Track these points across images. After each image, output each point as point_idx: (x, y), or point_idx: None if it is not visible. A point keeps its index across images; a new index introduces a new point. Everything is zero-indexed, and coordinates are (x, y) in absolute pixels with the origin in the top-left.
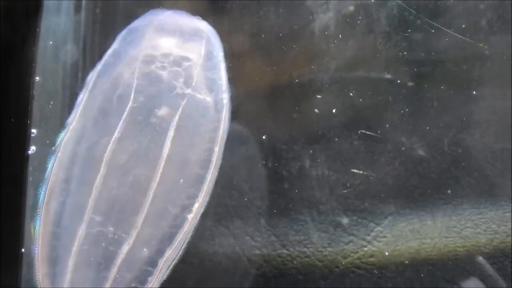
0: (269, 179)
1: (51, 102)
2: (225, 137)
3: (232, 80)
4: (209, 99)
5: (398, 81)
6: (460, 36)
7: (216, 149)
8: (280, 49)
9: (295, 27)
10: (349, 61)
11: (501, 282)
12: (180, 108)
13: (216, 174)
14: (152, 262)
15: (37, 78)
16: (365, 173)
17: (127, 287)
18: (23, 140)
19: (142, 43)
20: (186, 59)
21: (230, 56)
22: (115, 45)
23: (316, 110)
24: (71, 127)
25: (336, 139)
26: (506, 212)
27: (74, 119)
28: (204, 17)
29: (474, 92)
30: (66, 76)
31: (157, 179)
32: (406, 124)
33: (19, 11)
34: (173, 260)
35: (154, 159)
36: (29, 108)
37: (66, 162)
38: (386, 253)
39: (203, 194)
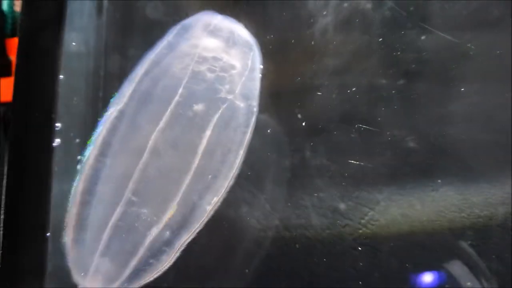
0: (273, 169)
1: (75, 98)
2: (249, 141)
3: None
4: (243, 105)
5: (391, 79)
6: (448, 37)
7: (241, 152)
8: (284, 50)
9: (297, 29)
10: (347, 60)
11: (481, 263)
12: (220, 111)
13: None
14: (170, 244)
15: (62, 76)
16: (361, 163)
17: (146, 262)
18: (49, 133)
19: (196, 42)
20: (234, 67)
21: None
22: (169, 38)
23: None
24: (118, 107)
25: (334, 132)
26: (488, 198)
27: (122, 100)
28: None
29: (462, 89)
30: (89, 74)
31: (191, 172)
32: (398, 118)
33: (44, 15)
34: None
35: (190, 154)
36: (54, 104)
37: (109, 139)
38: (379, 235)
39: (223, 190)
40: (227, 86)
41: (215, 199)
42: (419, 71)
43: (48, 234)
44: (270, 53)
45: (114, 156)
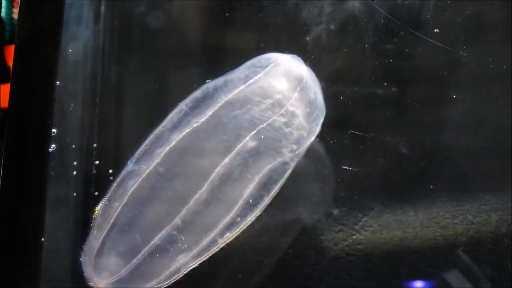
0: None
1: (72, 105)
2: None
3: None
4: (288, 160)
5: (384, 86)
6: (440, 45)
7: (266, 199)
8: None
9: (291, 36)
10: (340, 67)
11: (476, 269)
12: (273, 163)
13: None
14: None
15: (58, 82)
16: (354, 169)
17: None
18: (45, 139)
19: (285, 91)
20: (305, 129)
21: (232, 62)
22: (259, 72)
23: None
24: (195, 125)
25: (328, 138)
26: (481, 205)
27: (200, 121)
28: (209, 29)
29: (454, 96)
30: (86, 80)
31: (231, 215)
32: (391, 125)
33: (41, 22)
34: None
35: (236, 195)
36: (50, 110)
37: (176, 151)
38: (373, 241)
39: (237, 230)
40: (294, 146)
41: (229, 235)
42: (411, 78)
43: (42, 239)
44: None
45: (174, 172)
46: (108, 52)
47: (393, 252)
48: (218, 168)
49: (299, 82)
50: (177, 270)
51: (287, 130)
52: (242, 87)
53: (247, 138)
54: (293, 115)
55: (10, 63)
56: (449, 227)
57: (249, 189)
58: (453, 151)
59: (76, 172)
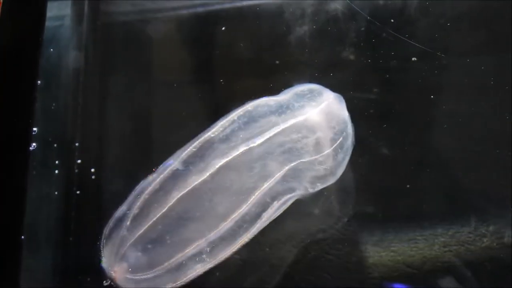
0: None
1: (53, 104)
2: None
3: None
4: (302, 194)
5: (365, 87)
6: (422, 47)
7: (267, 222)
8: (258, 58)
9: (273, 38)
10: (321, 69)
11: (457, 268)
12: (292, 194)
13: None
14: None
15: (39, 81)
16: None
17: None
18: (26, 137)
19: (329, 133)
20: (332, 171)
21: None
22: (314, 112)
23: None
24: (251, 145)
25: None
26: (461, 205)
27: (257, 142)
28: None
29: (433, 97)
30: (68, 80)
31: (248, 235)
32: (372, 126)
33: (23, 21)
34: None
35: (256, 220)
36: (31, 109)
37: (226, 170)
38: (353, 241)
39: (238, 247)
40: (318, 184)
41: (233, 251)
42: (393, 79)
43: (22, 237)
44: (244, 61)
45: (221, 186)
46: (91, 51)
47: (372, 251)
48: (258, 192)
49: (345, 127)
50: (189, 278)
51: (318, 167)
52: (301, 118)
53: (286, 168)
54: (328, 156)
55: None
56: (428, 227)
57: (267, 213)
58: (433, 152)
59: (58, 171)
